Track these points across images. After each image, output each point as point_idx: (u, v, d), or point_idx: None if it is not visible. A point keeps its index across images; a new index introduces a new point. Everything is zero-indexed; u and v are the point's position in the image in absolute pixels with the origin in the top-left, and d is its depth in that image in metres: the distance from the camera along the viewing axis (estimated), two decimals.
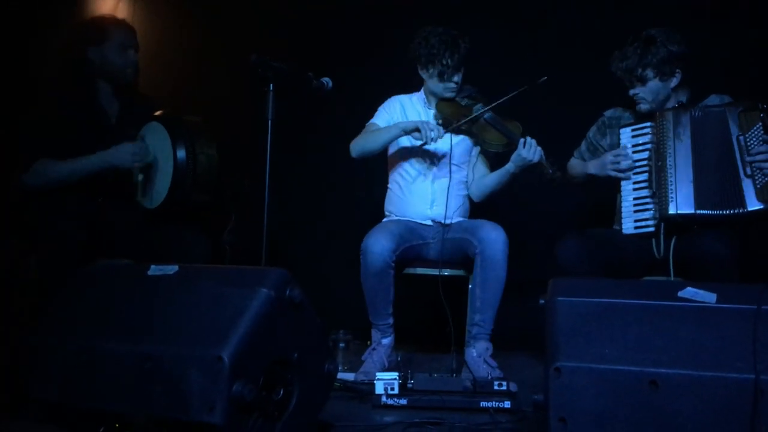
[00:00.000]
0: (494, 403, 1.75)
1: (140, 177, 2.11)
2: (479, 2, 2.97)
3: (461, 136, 2.42)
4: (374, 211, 2.55)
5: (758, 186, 1.95)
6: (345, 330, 2.39)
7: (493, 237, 2.20)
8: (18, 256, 2.03)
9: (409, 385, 1.83)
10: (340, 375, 2.05)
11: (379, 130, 2.37)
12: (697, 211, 1.99)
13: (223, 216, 2.69)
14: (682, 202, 2.01)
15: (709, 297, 1.30)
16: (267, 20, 3.18)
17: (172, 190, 2.02)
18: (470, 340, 2.25)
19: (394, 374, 1.83)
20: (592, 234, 2.14)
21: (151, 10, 3.24)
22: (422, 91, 2.48)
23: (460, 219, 2.42)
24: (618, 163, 2.15)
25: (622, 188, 2.16)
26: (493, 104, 2.33)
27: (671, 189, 2.03)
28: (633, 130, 2.18)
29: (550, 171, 2.23)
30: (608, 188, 2.28)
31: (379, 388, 1.80)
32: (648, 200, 2.10)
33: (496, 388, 1.80)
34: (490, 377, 1.98)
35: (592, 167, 2.24)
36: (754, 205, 1.95)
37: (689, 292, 1.32)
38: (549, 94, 2.28)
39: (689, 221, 2.01)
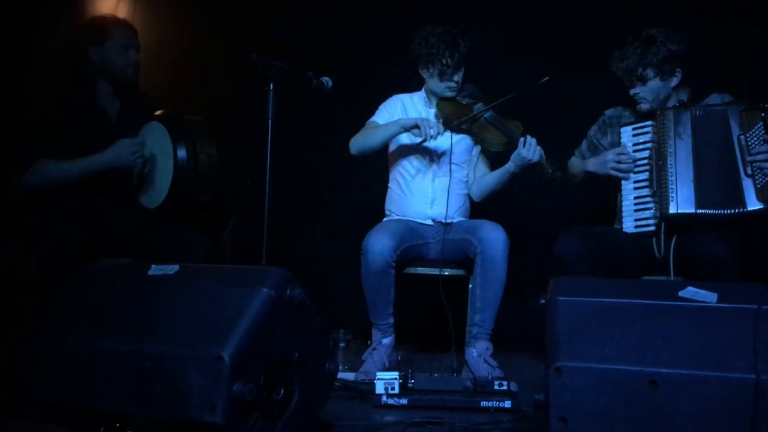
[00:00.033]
0: (495, 402, 1.76)
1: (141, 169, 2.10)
2: (479, 2, 2.97)
3: (462, 135, 2.42)
4: (374, 211, 2.55)
5: (758, 186, 1.95)
6: (345, 329, 2.39)
7: (493, 237, 2.20)
8: (18, 256, 2.03)
9: (410, 385, 1.83)
10: (341, 375, 2.05)
11: (379, 127, 2.38)
12: (698, 211, 1.99)
13: (223, 216, 2.69)
14: (682, 202, 2.01)
15: (709, 297, 1.30)
16: (267, 20, 3.18)
17: (173, 190, 2.02)
18: (470, 339, 2.25)
19: (395, 374, 1.83)
20: (592, 232, 2.14)
21: (151, 10, 3.24)
22: (423, 90, 2.49)
23: (461, 219, 2.43)
24: (619, 162, 2.15)
25: (622, 187, 2.16)
26: (494, 104, 2.33)
27: (672, 188, 2.03)
28: (634, 129, 2.18)
29: (550, 171, 2.23)
30: (608, 188, 2.28)
31: (380, 388, 1.80)
32: (648, 199, 2.10)
33: (496, 387, 1.80)
34: (490, 377, 1.98)
35: (592, 165, 2.24)
36: (754, 204, 1.95)
37: (690, 291, 1.32)
38: (549, 94, 2.28)
39: (690, 221, 2.01)
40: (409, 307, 2.41)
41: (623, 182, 2.16)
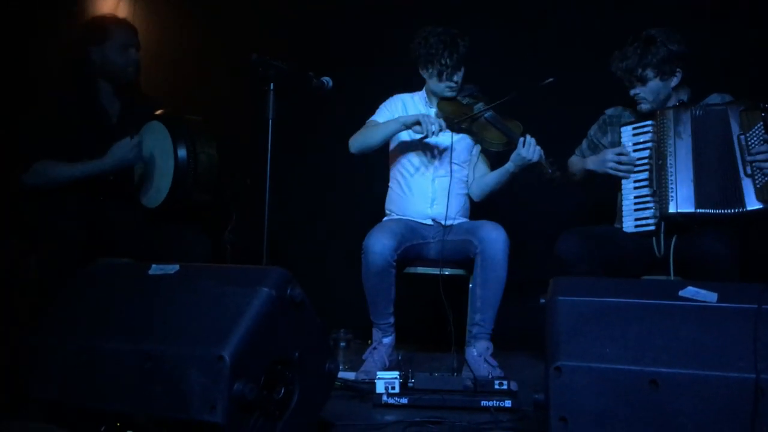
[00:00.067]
0: (495, 402, 1.76)
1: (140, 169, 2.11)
2: (479, 2, 2.97)
3: (462, 135, 2.42)
4: (375, 211, 2.56)
5: (758, 186, 1.95)
6: (346, 329, 2.39)
7: (493, 237, 2.20)
8: (18, 256, 2.03)
9: (410, 384, 1.84)
10: (341, 374, 2.06)
11: (379, 125, 2.38)
12: (697, 210, 1.99)
13: (223, 215, 2.69)
14: (682, 201, 2.01)
15: (709, 296, 1.30)
16: (267, 20, 3.18)
17: (173, 189, 2.02)
18: (471, 339, 2.25)
19: (395, 373, 1.83)
20: (592, 232, 2.14)
21: (151, 10, 3.24)
22: (424, 90, 2.49)
23: (461, 220, 2.43)
24: (618, 162, 2.15)
25: (622, 187, 2.17)
26: (495, 104, 2.34)
27: (671, 188, 2.03)
28: (634, 128, 2.18)
29: (550, 171, 2.23)
30: (608, 187, 2.28)
31: (380, 387, 1.80)
32: (648, 199, 2.10)
33: (496, 387, 1.80)
34: (490, 376, 1.99)
35: (591, 163, 2.24)
36: (753, 204, 1.95)
37: (690, 291, 1.32)
38: (549, 94, 2.28)
39: (689, 220, 2.01)
40: (409, 306, 2.41)
41: (623, 182, 2.16)
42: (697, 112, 2.08)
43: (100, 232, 2.05)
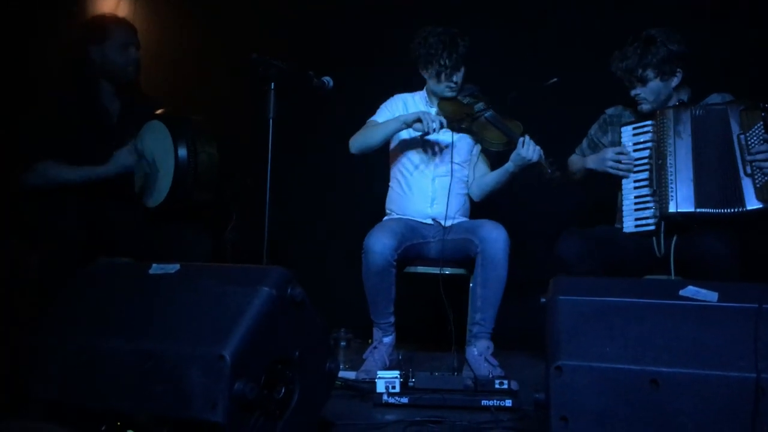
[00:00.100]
0: (495, 401, 1.76)
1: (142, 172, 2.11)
2: (479, 2, 2.97)
3: (462, 134, 2.42)
4: (375, 210, 2.56)
5: (758, 185, 1.96)
6: (346, 328, 2.40)
7: (494, 236, 2.20)
8: (18, 256, 2.03)
9: (411, 384, 1.84)
10: (342, 373, 2.05)
11: (379, 124, 2.38)
12: (697, 210, 2.00)
13: (224, 215, 2.69)
14: (682, 201, 2.01)
15: (710, 296, 1.30)
16: (267, 20, 3.18)
17: (174, 189, 2.02)
18: (471, 338, 2.26)
19: (396, 373, 1.84)
20: (592, 233, 2.14)
21: (151, 10, 3.24)
22: (424, 90, 2.49)
23: (461, 219, 2.43)
24: (618, 161, 2.16)
25: (623, 187, 2.17)
26: (494, 104, 2.34)
27: (671, 187, 2.03)
28: (634, 128, 2.18)
29: (549, 171, 2.23)
30: (608, 187, 2.28)
31: (381, 387, 1.80)
32: (648, 199, 2.10)
33: (497, 386, 1.80)
34: (491, 376, 1.99)
35: (591, 162, 2.25)
36: (753, 204, 1.95)
37: (690, 290, 1.32)
38: (549, 93, 2.29)
39: (689, 220, 2.02)
40: (409, 306, 2.41)
41: (623, 182, 2.16)
42: (697, 112, 2.08)
43: (100, 232, 2.05)
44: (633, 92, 2.16)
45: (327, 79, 2.18)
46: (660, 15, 2.47)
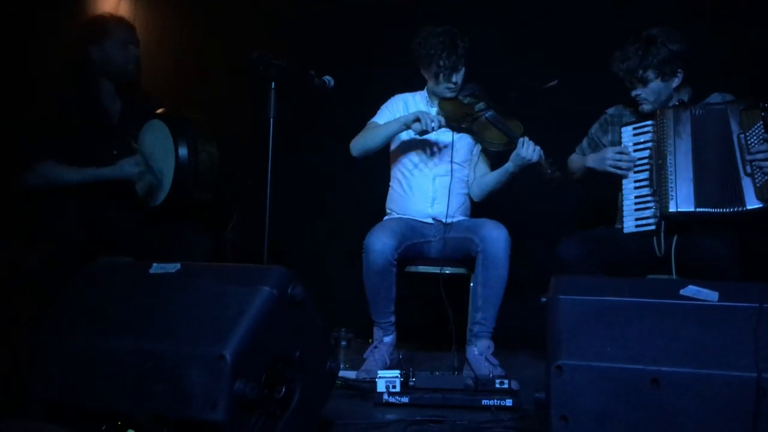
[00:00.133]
0: (496, 401, 1.76)
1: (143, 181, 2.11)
2: (479, 2, 2.97)
3: (463, 134, 2.42)
4: (375, 210, 2.56)
5: (758, 185, 1.96)
6: (347, 328, 2.39)
7: (495, 235, 2.20)
8: (18, 256, 2.03)
9: (411, 383, 1.84)
10: (342, 373, 2.05)
11: (380, 126, 2.38)
12: (697, 209, 2.00)
13: (224, 214, 2.69)
14: (682, 200, 2.01)
15: (710, 295, 1.30)
16: (267, 20, 3.18)
17: (174, 188, 2.02)
18: (472, 338, 2.25)
19: (396, 372, 1.83)
20: (592, 234, 2.14)
21: (151, 10, 3.24)
22: (425, 89, 2.49)
23: (462, 218, 2.43)
24: (618, 161, 2.16)
25: (623, 187, 2.17)
26: (495, 104, 2.34)
27: (671, 187, 2.03)
28: (634, 128, 2.18)
29: (549, 171, 2.23)
30: (609, 188, 2.28)
31: (381, 386, 1.80)
32: (649, 198, 2.10)
33: (497, 386, 1.80)
34: (491, 375, 1.99)
35: (591, 161, 2.25)
36: (753, 203, 1.95)
37: (691, 290, 1.32)
38: (549, 94, 2.29)
39: (689, 219, 2.02)
40: (410, 305, 2.41)
41: (624, 182, 2.17)
42: (697, 112, 2.08)
43: (100, 231, 2.05)
44: (634, 93, 2.16)
45: (328, 78, 2.18)
46: (660, 15, 2.47)
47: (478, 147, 2.48)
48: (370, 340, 2.31)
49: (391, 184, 2.51)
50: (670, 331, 1.25)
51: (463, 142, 2.44)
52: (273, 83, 2.04)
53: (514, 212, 2.70)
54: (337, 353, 2.31)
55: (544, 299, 1.37)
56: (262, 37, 3.09)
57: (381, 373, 1.85)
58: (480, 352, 2.21)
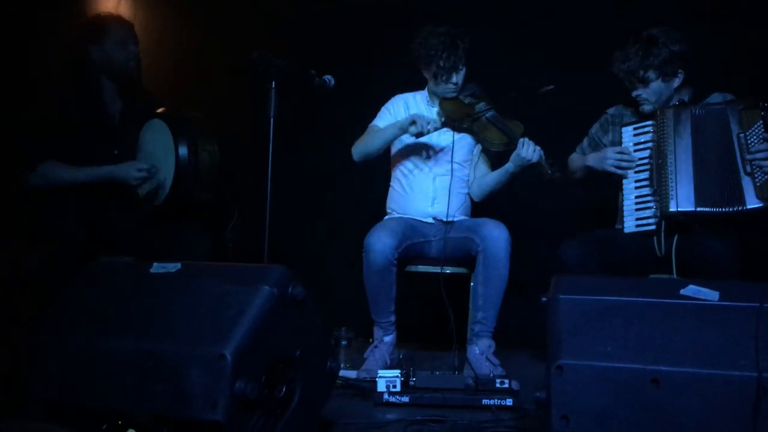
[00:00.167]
0: (496, 400, 1.76)
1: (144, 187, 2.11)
2: (479, 2, 2.97)
3: (463, 134, 2.43)
4: (375, 210, 2.56)
5: (758, 184, 1.96)
6: (347, 327, 2.40)
7: (495, 235, 2.20)
8: (18, 256, 2.03)
9: (411, 383, 1.84)
10: (342, 373, 2.05)
11: (379, 132, 2.38)
12: (697, 209, 2.00)
13: (224, 214, 2.69)
14: (682, 200, 2.01)
15: (711, 295, 1.30)
16: (267, 20, 3.18)
17: (174, 188, 2.02)
18: (472, 337, 2.26)
19: (396, 372, 1.83)
20: (593, 235, 2.15)
21: (151, 10, 3.24)
22: (426, 89, 2.49)
23: (462, 217, 2.43)
24: (619, 160, 2.16)
25: (624, 187, 2.17)
26: (496, 104, 2.34)
27: (672, 187, 2.03)
28: (635, 128, 2.18)
29: (549, 171, 2.23)
30: (609, 188, 2.28)
31: (381, 386, 1.80)
32: (649, 198, 2.10)
33: (498, 385, 1.80)
34: (492, 375, 1.99)
35: (591, 160, 2.25)
36: (753, 203, 1.95)
37: (691, 290, 1.32)
38: (545, 97, 2.28)
39: (689, 219, 2.02)
40: (410, 305, 2.41)
41: (624, 182, 2.17)
42: (697, 112, 2.08)
43: (100, 231, 2.05)
44: (635, 93, 2.16)
45: (328, 77, 2.17)
46: (660, 15, 2.47)
47: (479, 147, 2.48)
48: (371, 340, 2.31)
49: (391, 183, 2.51)
50: (671, 331, 1.25)
51: (463, 142, 2.44)
52: (273, 83, 2.04)
53: (514, 212, 2.70)
54: (337, 353, 2.31)
55: (544, 299, 1.37)
56: (262, 37, 3.09)
57: (381, 372, 1.85)
58: (481, 351, 2.21)
